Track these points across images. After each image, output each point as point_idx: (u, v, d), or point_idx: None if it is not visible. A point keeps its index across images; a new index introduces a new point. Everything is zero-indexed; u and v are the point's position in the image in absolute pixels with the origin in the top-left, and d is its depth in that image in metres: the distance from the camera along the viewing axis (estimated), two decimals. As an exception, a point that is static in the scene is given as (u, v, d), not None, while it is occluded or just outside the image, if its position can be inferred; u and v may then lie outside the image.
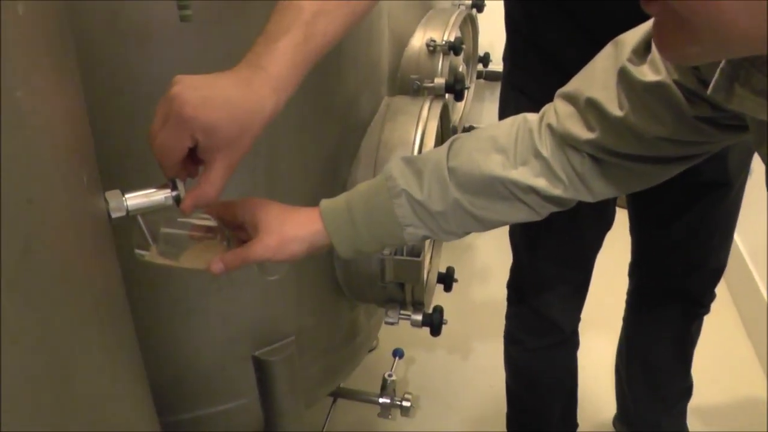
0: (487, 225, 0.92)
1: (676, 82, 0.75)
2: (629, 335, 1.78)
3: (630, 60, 0.80)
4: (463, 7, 2.58)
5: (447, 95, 1.64)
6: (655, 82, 0.77)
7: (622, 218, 1.52)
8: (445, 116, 1.53)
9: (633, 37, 0.81)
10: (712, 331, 1.78)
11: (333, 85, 1.20)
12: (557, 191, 0.87)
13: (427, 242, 1.67)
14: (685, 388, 1.76)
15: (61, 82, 0.55)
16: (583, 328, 1.66)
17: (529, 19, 1.30)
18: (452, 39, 2.17)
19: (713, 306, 1.62)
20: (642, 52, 0.79)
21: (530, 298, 1.55)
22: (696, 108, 0.75)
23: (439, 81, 1.57)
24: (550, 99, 0.91)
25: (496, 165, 0.87)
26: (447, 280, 1.72)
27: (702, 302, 1.60)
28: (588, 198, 0.89)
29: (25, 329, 0.45)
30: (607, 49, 0.84)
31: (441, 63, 2.16)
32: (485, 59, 3.15)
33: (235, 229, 0.92)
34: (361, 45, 1.28)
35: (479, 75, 3.15)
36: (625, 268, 1.68)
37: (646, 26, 0.79)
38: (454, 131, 2.43)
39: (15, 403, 0.44)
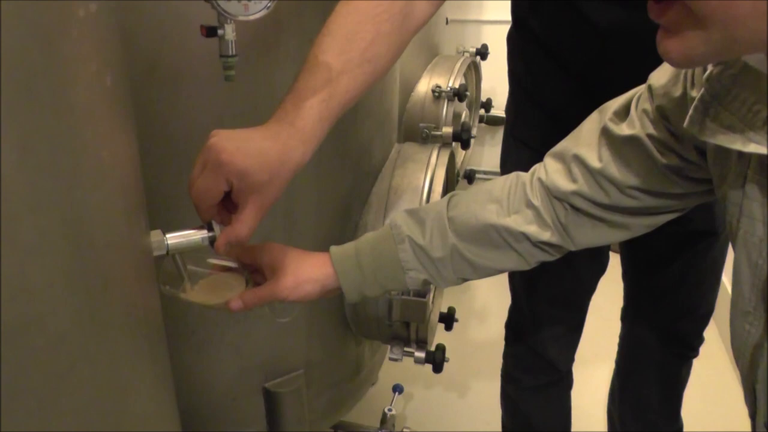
0: (480, 272, 1.00)
1: (649, 135, 0.85)
2: (621, 377, 1.83)
3: (611, 120, 0.90)
4: (467, 55, 2.68)
5: (453, 143, 1.73)
6: (631, 136, 0.86)
7: (616, 262, 1.60)
8: (450, 163, 1.62)
9: (615, 102, 0.91)
10: (701, 373, 1.84)
11: (348, 134, 1.28)
12: (545, 236, 0.95)
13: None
14: (675, 431, 1.82)
15: (128, 138, 0.63)
16: (577, 368, 1.72)
17: (531, 76, 1.39)
18: (457, 86, 2.26)
19: (702, 348, 1.68)
20: (622, 114, 0.89)
21: (527, 338, 1.62)
22: (666, 158, 0.84)
23: (447, 130, 1.65)
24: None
25: (491, 214, 0.96)
26: (448, 319, 1.79)
27: (691, 346, 1.66)
28: (571, 247, 0.97)
29: (98, 356, 0.53)
30: (593, 115, 0.94)
31: (445, 109, 2.25)
32: (487, 105, 3.25)
33: (252, 273, 1.00)
34: (375, 96, 1.37)
35: (481, 119, 3.25)
36: (618, 311, 1.75)
37: (628, 94, 0.90)
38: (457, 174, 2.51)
39: (83, 415, 0.51)
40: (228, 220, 0.88)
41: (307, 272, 0.96)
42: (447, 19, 2.70)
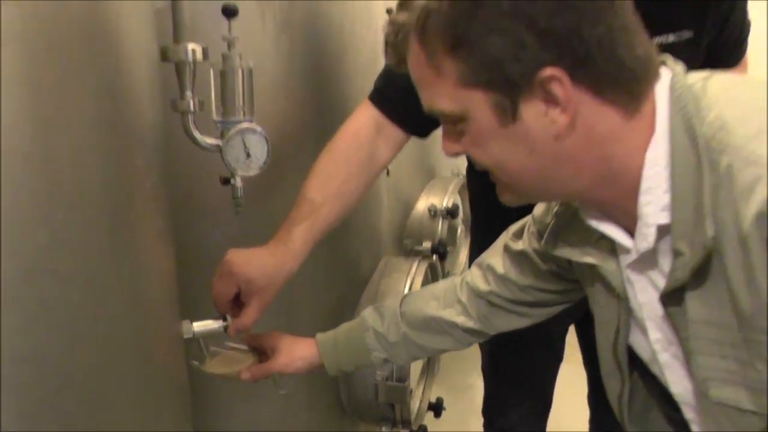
0: (426, 352, 1.32)
1: (534, 249, 1.16)
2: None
3: (510, 238, 1.23)
4: (461, 176, 3.00)
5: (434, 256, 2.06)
6: (522, 250, 1.19)
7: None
8: (433, 271, 1.94)
9: (515, 225, 1.25)
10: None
11: (338, 250, 1.61)
12: (470, 324, 1.26)
13: (420, 376, 2.05)
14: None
15: (168, 253, 0.96)
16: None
17: (483, 198, 1.72)
18: (450, 205, 2.58)
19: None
20: (519, 234, 1.22)
21: (499, 420, 1.89)
22: (547, 265, 1.16)
23: (426, 245, 1.99)
24: None
25: (432, 308, 1.28)
26: (436, 407, 2.08)
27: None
28: (491, 331, 1.28)
29: (146, 423, 0.84)
30: (502, 235, 1.27)
31: (440, 225, 2.57)
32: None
33: (259, 354, 1.32)
34: (362, 218, 1.71)
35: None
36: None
37: (524, 220, 1.23)
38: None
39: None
40: (238, 314, 1.21)
41: (298, 352, 1.28)
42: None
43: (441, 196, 2.64)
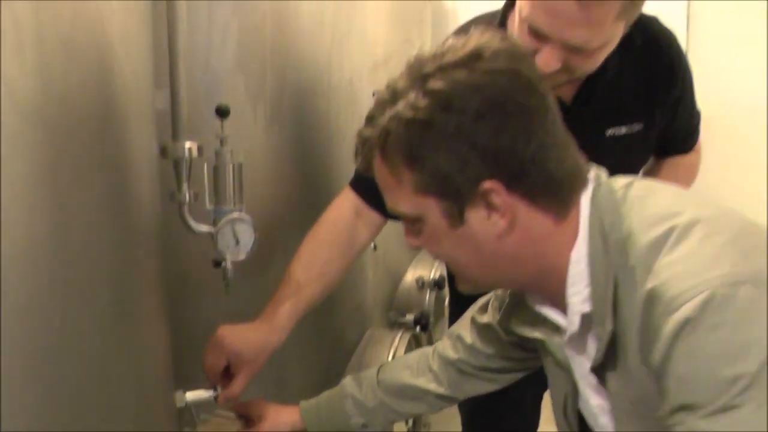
0: (403, 416, 1.44)
1: (498, 322, 1.28)
2: None
3: (477, 312, 1.36)
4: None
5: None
6: (487, 323, 1.31)
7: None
8: (417, 342, 2.05)
9: (481, 300, 1.37)
10: None
11: (325, 324, 1.72)
12: (441, 390, 1.37)
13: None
14: None
15: (165, 331, 1.08)
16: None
17: None
18: (437, 276, 2.68)
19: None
20: (484, 308, 1.34)
21: None
22: (509, 337, 1.28)
23: (410, 317, 2.10)
24: None
25: (406, 376, 1.40)
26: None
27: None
28: (461, 396, 1.40)
29: None
30: (470, 309, 1.39)
31: (428, 296, 2.67)
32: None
33: (246, 421, 1.42)
34: (346, 292, 1.82)
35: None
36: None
37: (489, 296, 1.35)
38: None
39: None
40: (227, 384, 1.32)
41: (283, 418, 1.40)
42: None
43: (429, 268, 2.73)
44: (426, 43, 3.16)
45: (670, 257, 0.88)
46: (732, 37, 3.60)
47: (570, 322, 1.01)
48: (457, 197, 0.96)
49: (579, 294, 0.98)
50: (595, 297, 0.96)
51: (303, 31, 1.62)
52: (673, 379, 0.85)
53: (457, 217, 0.98)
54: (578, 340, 1.04)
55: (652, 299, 0.87)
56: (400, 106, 0.96)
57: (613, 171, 1.48)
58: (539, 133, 0.95)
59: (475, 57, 0.94)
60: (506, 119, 0.93)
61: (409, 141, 0.96)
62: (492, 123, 0.93)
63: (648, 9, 1.36)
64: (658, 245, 0.90)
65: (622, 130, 1.51)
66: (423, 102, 0.94)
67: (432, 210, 0.99)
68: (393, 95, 0.98)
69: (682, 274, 0.86)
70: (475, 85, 0.93)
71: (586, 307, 0.98)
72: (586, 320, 0.99)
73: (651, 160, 1.70)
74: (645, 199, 0.97)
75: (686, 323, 0.82)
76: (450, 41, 0.99)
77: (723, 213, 0.95)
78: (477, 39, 0.97)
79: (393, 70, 2.94)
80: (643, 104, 1.52)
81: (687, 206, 0.94)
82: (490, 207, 0.96)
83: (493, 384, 1.38)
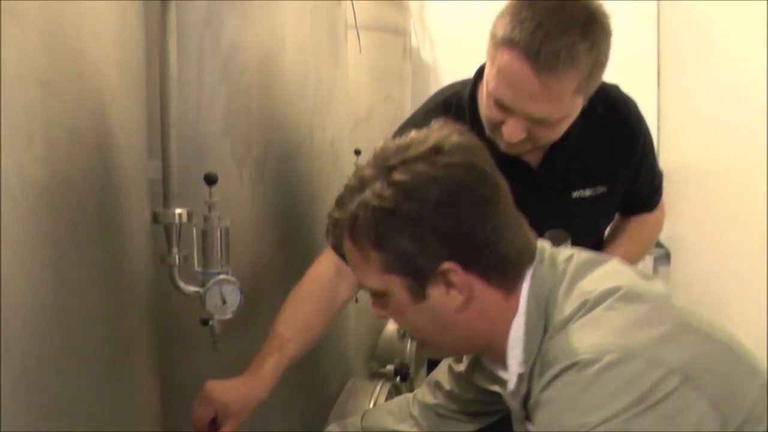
0: None
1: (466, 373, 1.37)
2: None
3: (453, 361, 1.43)
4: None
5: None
6: (461, 371, 1.39)
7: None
8: (397, 392, 2.11)
9: None
10: None
11: (308, 375, 1.79)
12: None
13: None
14: None
15: (155, 388, 1.15)
16: None
17: None
18: (419, 325, 2.77)
19: None
20: (459, 357, 1.41)
21: None
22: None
23: (389, 368, 2.18)
24: None
25: (389, 423, 1.48)
26: None
27: None
28: None
29: None
30: (447, 359, 1.47)
31: (409, 346, 2.74)
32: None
33: None
34: (330, 343, 1.89)
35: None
36: None
37: None
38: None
39: None
40: None
41: None
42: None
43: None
44: (406, 98, 3.29)
45: (574, 327, 1.03)
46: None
47: (510, 381, 1.14)
48: (419, 276, 1.08)
49: (516, 358, 1.11)
50: (527, 362, 1.10)
51: (287, 93, 1.72)
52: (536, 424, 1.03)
53: (419, 293, 1.10)
54: (519, 394, 1.15)
55: (545, 365, 1.04)
56: (367, 194, 1.07)
57: (581, 229, 1.59)
58: (493, 218, 1.08)
59: (434, 151, 1.07)
60: (463, 207, 1.06)
61: (375, 226, 1.07)
62: (450, 211, 1.06)
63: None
64: (570, 317, 1.05)
65: (587, 192, 1.61)
66: (388, 192, 1.05)
67: (397, 287, 1.10)
68: (361, 183, 1.10)
69: (570, 342, 1.01)
70: (435, 177, 1.06)
71: (522, 368, 1.11)
72: (524, 379, 1.12)
73: (617, 218, 1.80)
74: (580, 273, 1.11)
75: (553, 377, 1.00)
76: (412, 134, 1.12)
77: (645, 288, 1.09)
78: (437, 134, 1.10)
79: (374, 125, 3.06)
80: (606, 168, 1.62)
81: (612, 281, 1.08)
82: (449, 284, 1.08)
83: (471, 424, 1.47)
